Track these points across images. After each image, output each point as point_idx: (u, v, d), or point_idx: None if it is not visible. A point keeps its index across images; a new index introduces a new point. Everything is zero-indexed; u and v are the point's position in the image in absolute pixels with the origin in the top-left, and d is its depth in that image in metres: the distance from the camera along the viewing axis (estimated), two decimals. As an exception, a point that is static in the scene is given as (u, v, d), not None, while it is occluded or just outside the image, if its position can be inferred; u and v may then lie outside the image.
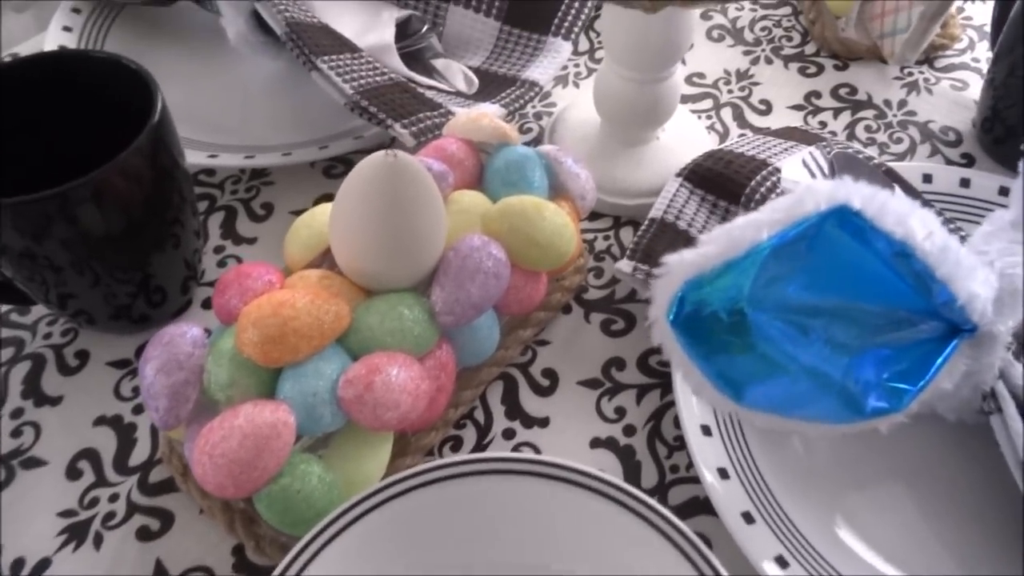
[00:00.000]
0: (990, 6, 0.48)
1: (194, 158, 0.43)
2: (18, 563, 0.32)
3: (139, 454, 0.35)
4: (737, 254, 0.22)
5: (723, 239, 0.22)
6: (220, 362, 0.29)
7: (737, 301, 0.22)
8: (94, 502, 0.34)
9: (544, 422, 0.36)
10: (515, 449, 0.35)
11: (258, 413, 0.28)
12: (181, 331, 0.30)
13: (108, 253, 0.35)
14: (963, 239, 0.35)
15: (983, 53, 0.53)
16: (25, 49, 0.55)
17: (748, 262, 0.22)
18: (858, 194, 0.22)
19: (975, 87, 0.50)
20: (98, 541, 0.33)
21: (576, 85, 0.52)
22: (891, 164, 0.40)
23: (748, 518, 0.31)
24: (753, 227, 0.22)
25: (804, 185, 0.22)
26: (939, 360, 0.28)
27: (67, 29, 0.51)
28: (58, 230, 0.32)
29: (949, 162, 0.47)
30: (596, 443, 0.36)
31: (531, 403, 0.37)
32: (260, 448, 0.27)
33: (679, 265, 0.22)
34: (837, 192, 0.22)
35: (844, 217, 0.22)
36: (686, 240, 0.38)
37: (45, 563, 0.32)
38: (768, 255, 0.22)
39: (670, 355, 0.25)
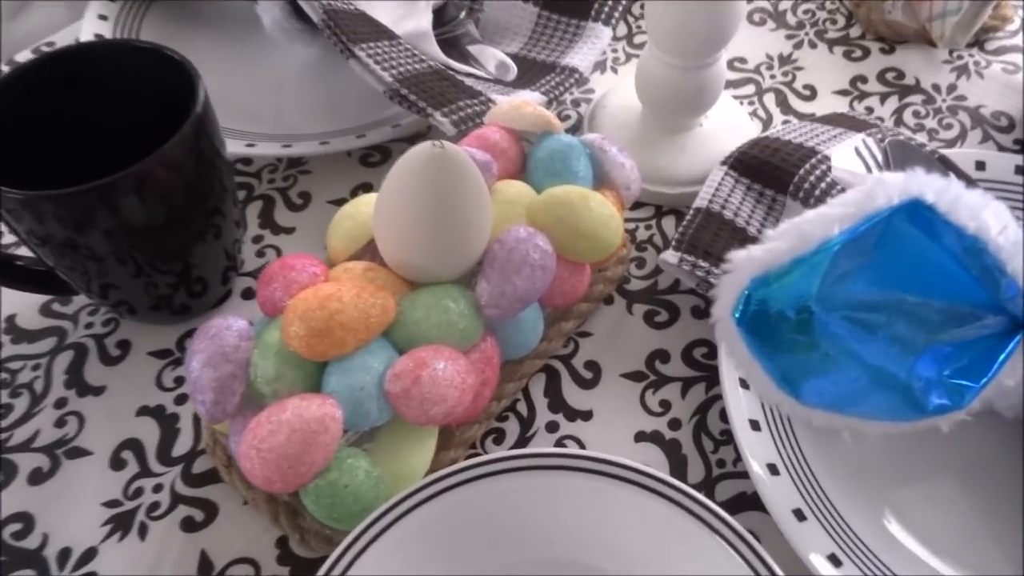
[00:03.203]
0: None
1: (231, 147, 0.42)
2: (64, 553, 0.32)
3: (182, 444, 0.35)
4: (806, 250, 0.21)
5: (792, 234, 0.21)
6: (266, 355, 0.29)
7: (805, 299, 0.22)
8: (138, 492, 0.34)
9: (587, 415, 0.36)
10: (558, 443, 0.35)
11: (305, 407, 0.27)
12: (227, 324, 0.30)
13: (150, 244, 0.35)
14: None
15: (1036, 35, 0.51)
16: (61, 38, 0.55)
17: (817, 258, 0.21)
18: (931, 188, 0.21)
19: (1028, 70, 0.49)
20: (143, 531, 0.33)
21: (615, 71, 0.51)
22: (943, 151, 0.39)
23: (799, 515, 0.30)
24: (824, 222, 0.21)
25: (873, 178, 0.21)
26: (1002, 356, 0.28)
27: (103, 17, 0.51)
28: (101, 221, 0.32)
29: (1002, 148, 0.45)
30: (641, 436, 0.35)
31: (574, 396, 0.36)
32: (308, 443, 0.27)
33: (746, 261, 0.22)
34: (909, 185, 0.21)
35: (915, 211, 0.21)
36: (732, 230, 0.37)
37: (91, 553, 0.32)
38: (838, 251, 0.21)
39: (734, 354, 0.24)
